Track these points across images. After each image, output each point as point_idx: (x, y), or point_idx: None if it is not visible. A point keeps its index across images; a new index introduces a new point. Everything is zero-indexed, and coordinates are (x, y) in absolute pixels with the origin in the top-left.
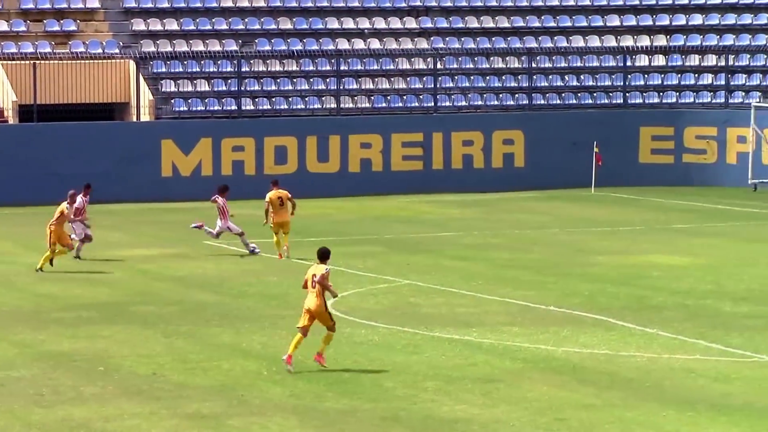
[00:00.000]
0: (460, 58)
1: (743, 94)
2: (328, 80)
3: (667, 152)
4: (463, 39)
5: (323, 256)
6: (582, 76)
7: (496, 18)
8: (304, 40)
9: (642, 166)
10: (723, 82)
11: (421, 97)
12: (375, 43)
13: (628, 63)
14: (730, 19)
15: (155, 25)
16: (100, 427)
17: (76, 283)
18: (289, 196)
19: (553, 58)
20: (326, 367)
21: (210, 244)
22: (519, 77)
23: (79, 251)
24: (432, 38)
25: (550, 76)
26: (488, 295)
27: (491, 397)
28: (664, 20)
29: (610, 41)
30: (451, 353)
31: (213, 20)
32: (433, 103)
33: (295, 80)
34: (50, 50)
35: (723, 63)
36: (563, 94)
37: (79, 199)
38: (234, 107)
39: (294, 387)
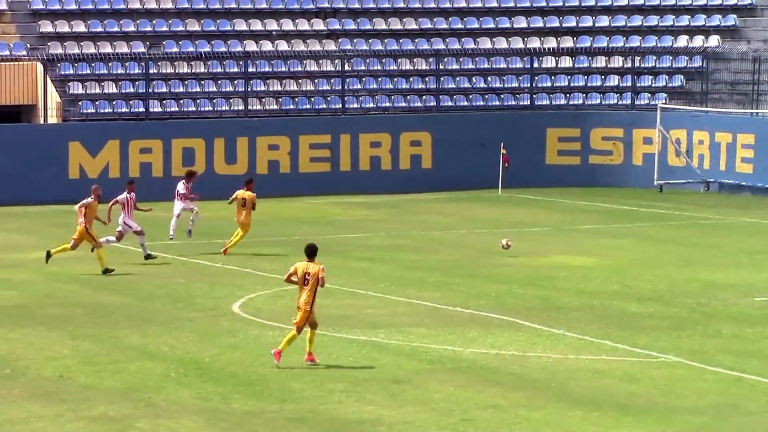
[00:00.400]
0: (367, 60)
1: (649, 95)
2: (235, 82)
3: (573, 153)
4: (370, 41)
5: (312, 253)
6: (489, 78)
7: (404, 20)
8: (212, 42)
9: (549, 167)
10: (629, 84)
11: (328, 98)
12: (283, 45)
13: (535, 64)
14: (637, 20)
15: (63, 27)
16: (7, 430)
17: None
18: (254, 199)
19: (461, 59)
20: (317, 364)
21: (117, 246)
22: (426, 79)
23: (145, 247)
24: (340, 40)
25: (458, 78)
26: (395, 296)
27: (398, 398)
28: (570, 22)
29: (517, 43)
30: (358, 354)
31: (121, 22)
32: (340, 105)
33: (202, 82)
34: None
35: (629, 64)
36: (470, 96)
37: (124, 195)
38: (141, 109)
39: (201, 389)
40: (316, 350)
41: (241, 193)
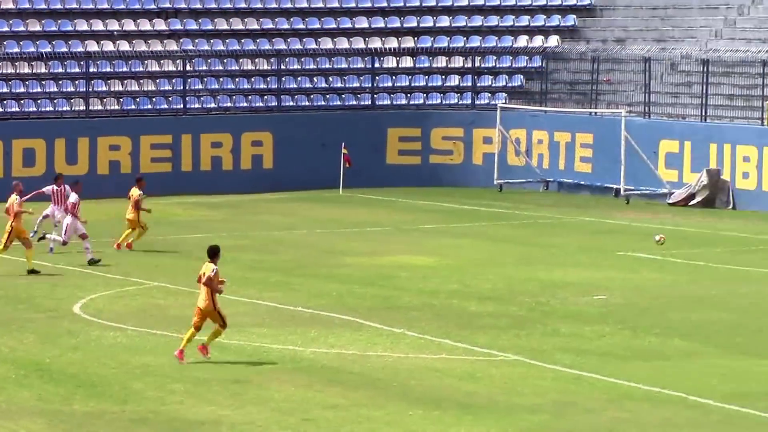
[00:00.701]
0: (209, 60)
1: (489, 95)
2: (77, 82)
3: (414, 153)
4: (212, 41)
5: (211, 253)
6: (330, 78)
7: (246, 20)
8: (53, 43)
9: (389, 167)
10: (470, 84)
11: (170, 98)
12: (124, 45)
13: (376, 65)
14: (477, 20)
15: None
16: None
17: None
18: (136, 197)
19: (302, 59)
20: (209, 359)
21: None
22: (268, 79)
23: (90, 253)
24: (181, 40)
25: (299, 78)
26: (236, 296)
27: (239, 398)
28: (411, 22)
29: (359, 43)
30: (199, 355)
31: None
32: (182, 105)
33: (43, 82)
34: None
35: (470, 64)
36: (312, 96)
37: (76, 197)
38: None
39: (42, 390)
40: (157, 350)
41: (132, 191)
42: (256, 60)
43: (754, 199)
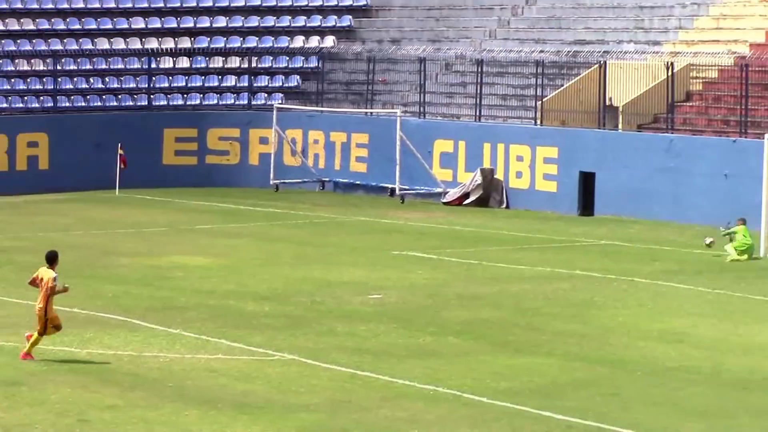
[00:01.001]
0: None
1: (266, 95)
2: None
3: (190, 153)
4: None
5: (49, 259)
6: (107, 78)
7: (21, 20)
8: None
9: (166, 167)
10: (246, 84)
11: None
12: None
13: (153, 65)
14: (254, 21)
15: None
16: None
17: None
18: None
19: (78, 60)
20: (34, 359)
21: None
22: (44, 79)
23: None
24: None
25: (75, 79)
26: (12, 298)
27: (14, 399)
28: (188, 23)
29: (135, 43)
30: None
31: None
32: None
33: None
34: None
35: (246, 65)
36: (88, 96)
37: None
38: None
39: None
40: None
41: None
42: (32, 61)
43: (527, 198)
